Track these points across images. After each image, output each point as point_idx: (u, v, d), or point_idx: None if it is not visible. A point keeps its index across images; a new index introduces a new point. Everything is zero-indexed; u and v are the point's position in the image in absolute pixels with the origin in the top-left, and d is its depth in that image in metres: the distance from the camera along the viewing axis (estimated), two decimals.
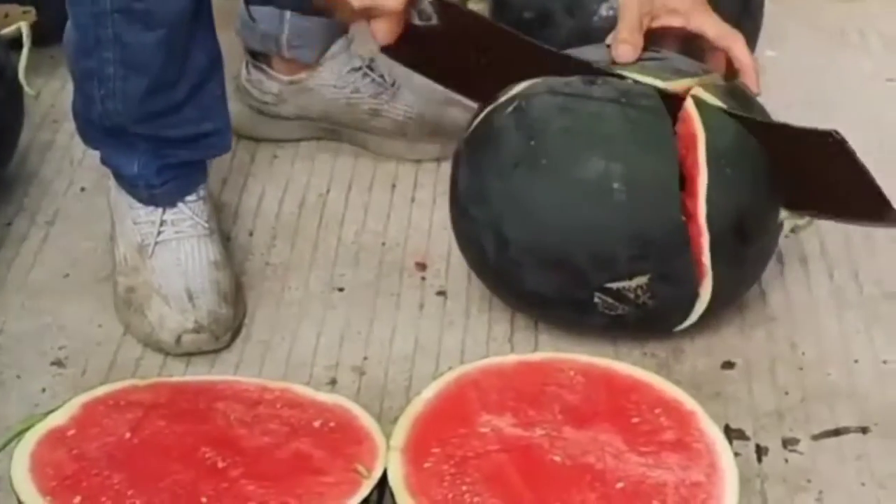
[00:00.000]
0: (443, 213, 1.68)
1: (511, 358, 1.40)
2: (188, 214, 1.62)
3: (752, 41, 1.90)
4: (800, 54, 2.11)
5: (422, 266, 1.70)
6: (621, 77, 1.52)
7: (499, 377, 1.37)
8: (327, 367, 1.56)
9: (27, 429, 1.33)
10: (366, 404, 1.42)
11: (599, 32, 1.80)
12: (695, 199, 1.46)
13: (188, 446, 1.32)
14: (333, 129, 1.90)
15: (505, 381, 1.36)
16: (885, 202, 1.47)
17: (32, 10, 1.94)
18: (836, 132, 1.49)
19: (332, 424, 1.35)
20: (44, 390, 1.52)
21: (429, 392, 1.36)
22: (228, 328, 1.57)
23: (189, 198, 1.63)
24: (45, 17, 1.98)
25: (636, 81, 1.50)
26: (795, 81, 2.05)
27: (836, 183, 1.51)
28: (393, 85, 1.87)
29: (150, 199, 1.62)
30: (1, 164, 1.78)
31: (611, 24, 1.78)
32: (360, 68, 1.86)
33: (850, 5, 2.24)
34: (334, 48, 1.86)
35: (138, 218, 1.62)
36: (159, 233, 1.61)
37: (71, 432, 1.33)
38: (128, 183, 1.63)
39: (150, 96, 1.54)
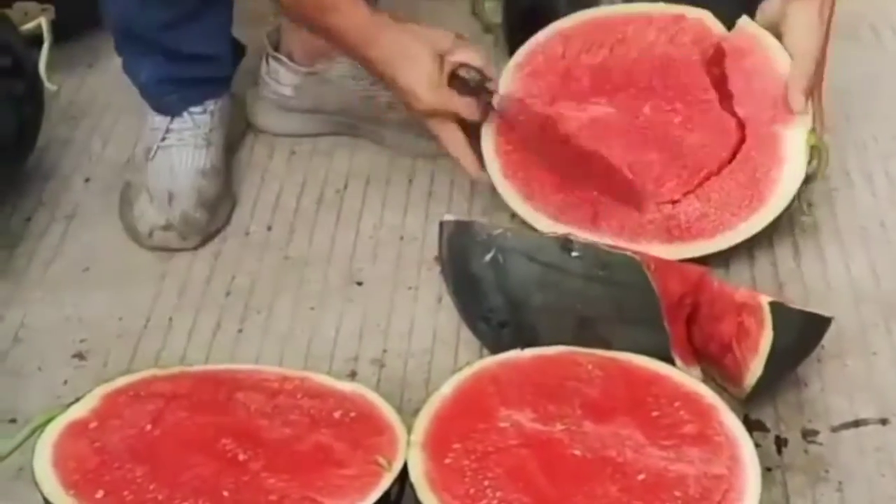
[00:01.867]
0: (460, 206, 1.68)
1: (529, 352, 1.40)
2: (191, 125, 1.76)
3: None
4: None
5: (440, 259, 1.71)
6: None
7: (517, 372, 1.37)
8: (347, 360, 1.56)
9: (49, 421, 1.34)
10: (386, 397, 1.42)
11: None
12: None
13: (209, 438, 1.32)
14: (350, 124, 1.90)
15: (524, 376, 1.36)
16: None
17: (51, 7, 1.95)
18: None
19: (352, 414, 1.36)
20: (65, 383, 1.53)
21: (448, 387, 1.36)
22: (199, 232, 1.71)
23: (195, 109, 1.77)
24: (63, 13, 1.99)
25: (616, 253, 1.42)
26: None
27: None
28: None
29: (157, 108, 1.78)
30: (21, 159, 1.79)
31: None
32: None
33: (864, 2, 2.24)
34: None
35: (153, 124, 1.78)
36: (163, 138, 1.76)
37: (92, 424, 1.34)
38: (140, 91, 1.80)
39: (148, 5, 1.69)
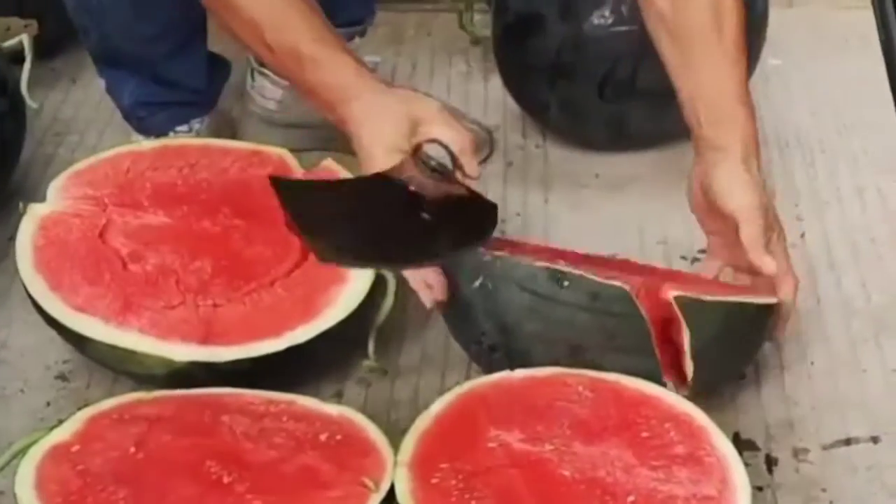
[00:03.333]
0: None
1: (519, 373, 1.39)
2: None
3: (756, 53, 1.90)
4: (803, 63, 2.10)
5: None
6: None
7: (507, 392, 1.36)
8: (333, 380, 1.54)
9: (31, 444, 1.32)
10: (373, 417, 1.41)
11: (591, 40, 1.80)
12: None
13: (193, 461, 1.31)
14: (335, 137, 1.82)
15: (513, 397, 1.35)
16: None
17: (34, 22, 1.94)
18: None
19: (338, 437, 1.34)
20: (48, 404, 1.51)
21: (436, 407, 1.35)
22: None
23: (180, 128, 1.78)
24: (46, 29, 1.98)
25: (605, 285, 1.39)
26: (799, 90, 2.05)
27: None
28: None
29: (140, 129, 1.79)
30: (4, 178, 1.77)
31: (601, 31, 1.78)
32: None
33: (853, 13, 2.23)
34: None
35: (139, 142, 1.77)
36: None
37: (75, 447, 1.32)
38: (125, 113, 1.81)
39: (128, 27, 1.72)
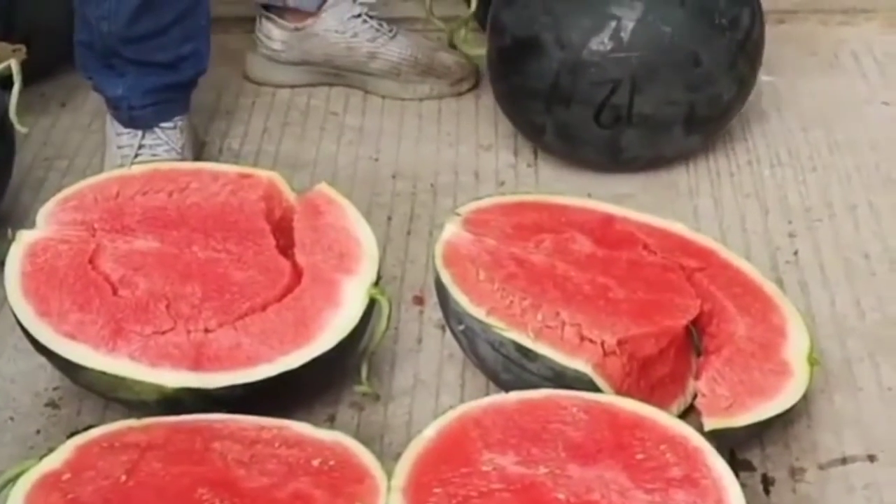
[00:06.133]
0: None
1: (513, 395, 1.38)
2: (163, 140, 1.83)
3: (753, 76, 1.90)
4: (796, 79, 2.10)
5: (420, 300, 1.68)
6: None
7: (501, 415, 1.35)
8: (326, 404, 1.53)
9: (21, 473, 1.31)
10: (366, 441, 1.40)
11: (589, 66, 1.80)
12: None
13: (185, 488, 1.29)
14: (336, 73, 2.10)
15: (507, 419, 1.34)
16: None
17: (23, 47, 1.93)
18: None
19: (331, 463, 1.33)
20: (38, 432, 1.50)
21: (430, 431, 1.34)
22: None
23: (166, 125, 1.84)
24: (35, 53, 1.97)
25: (568, 367, 1.42)
26: (792, 106, 2.05)
27: None
28: (390, 31, 2.07)
29: (130, 121, 1.83)
30: None
31: (599, 58, 1.78)
32: (359, 15, 2.07)
33: (845, 29, 2.24)
34: None
35: (121, 142, 1.84)
36: (137, 155, 1.82)
37: (66, 476, 1.31)
38: (113, 105, 1.84)
39: (140, 17, 1.77)
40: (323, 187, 1.62)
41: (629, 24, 1.78)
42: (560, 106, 1.83)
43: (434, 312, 1.65)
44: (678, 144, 1.87)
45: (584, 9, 1.81)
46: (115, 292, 1.48)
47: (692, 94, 1.81)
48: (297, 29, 2.07)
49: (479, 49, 1.97)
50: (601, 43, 1.79)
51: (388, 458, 1.42)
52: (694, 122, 1.84)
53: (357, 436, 1.42)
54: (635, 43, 1.78)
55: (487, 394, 1.53)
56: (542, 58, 1.82)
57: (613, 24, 1.78)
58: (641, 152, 1.87)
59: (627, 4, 1.79)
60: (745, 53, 1.84)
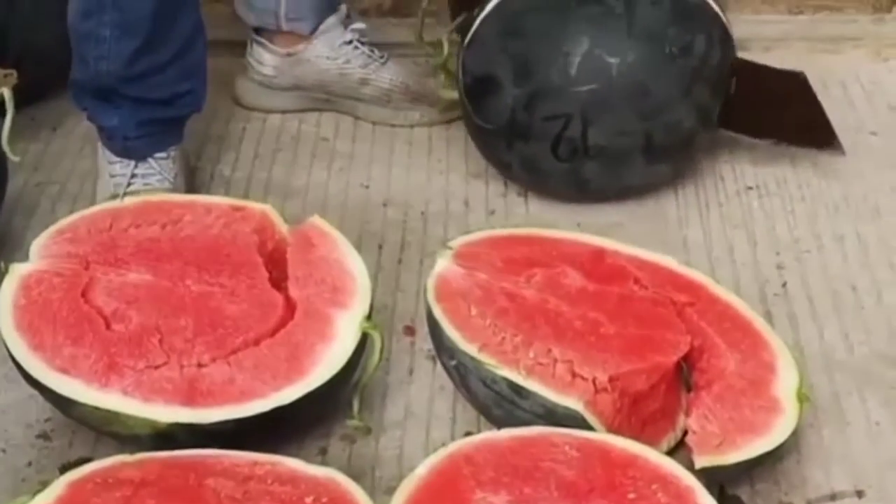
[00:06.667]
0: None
1: (505, 432, 1.38)
2: (157, 170, 1.84)
3: (716, 97, 1.90)
4: None
5: (411, 330, 1.69)
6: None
7: (493, 453, 1.35)
8: (317, 437, 1.54)
9: None
10: (357, 475, 1.41)
11: (540, 101, 1.82)
12: None
13: None
14: (326, 99, 2.11)
15: (499, 457, 1.34)
16: (832, 133, 1.90)
17: (14, 72, 1.92)
18: (802, 73, 1.88)
19: (324, 500, 1.33)
20: (30, 464, 1.50)
21: (422, 468, 1.34)
22: None
23: (159, 155, 1.85)
24: (25, 77, 1.97)
25: (559, 405, 1.43)
26: None
27: (794, 115, 1.91)
28: (381, 57, 2.09)
29: (124, 152, 1.84)
30: None
31: (549, 92, 1.80)
32: (351, 41, 2.08)
33: (832, 58, 2.25)
34: (328, 22, 2.07)
35: (114, 171, 1.84)
36: (129, 184, 1.83)
37: None
38: (107, 135, 1.85)
39: (139, 57, 1.78)
40: (315, 220, 1.63)
41: (576, 59, 1.80)
42: (520, 142, 1.86)
43: (425, 343, 1.65)
44: (642, 173, 1.88)
45: (535, 46, 1.83)
46: (108, 326, 1.48)
47: (646, 122, 1.82)
48: (288, 54, 2.08)
49: (454, 92, 1.97)
50: (550, 78, 1.81)
51: (380, 492, 1.43)
52: (654, 151, 1.85)
53: (348, 469, 1.42)
54: (582, 77, 1.80)
55: (479, 427, 1.54)
56: (499, 95, 1.85)
57: (561, 59, 1.80)
58: (606, 182, 1.88)
59: (575, 39, 1.81)
60: (702, 80, 1.84)
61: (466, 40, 1.91)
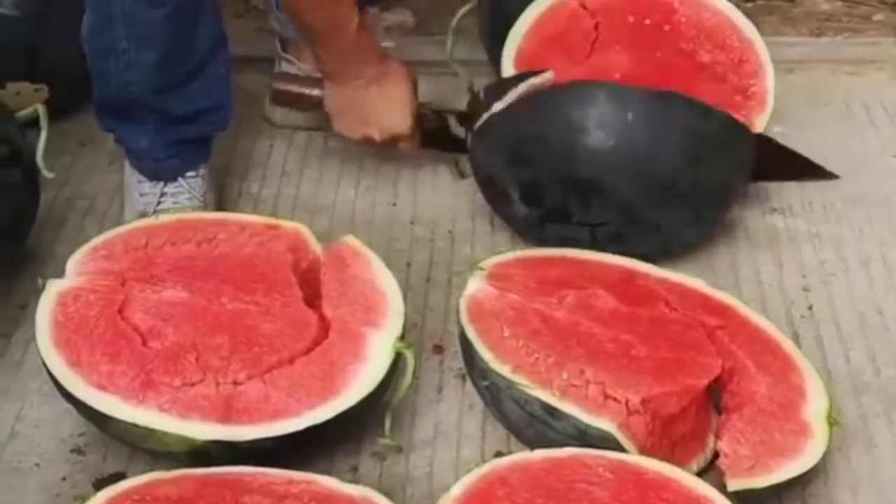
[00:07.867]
0: (459, 292, 1.68)
1: (538, 453, 1.39)
2: (186, 188, 1.85)
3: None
4: (807, 130, 2.11)
5: (439, 349, 1.70)
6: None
7: (527, 474, 1.36)
8: (348, 454, 1.55)
9: None
10: (388, 492, 1.42)
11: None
12: None
13: None
14: None
15: (533, 479, 1.35)
16: (816, 166, 2.01)
17: (45, 87, 1.94)
18: (763, 134, 1.94)
19: None
20: (64, 479, 1.51)
21: (457, 489, 1.35)
22: None
23: (189, 174, 1.86)
24: (55, 92, 1.99)
25: (592, 426, 1.44)
26: None
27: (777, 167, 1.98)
28: None
29: (154, 174, 1.85)
30: (17, 247, 1.77)
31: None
32: None
33: (855, 80, 2.26)
34: None
35: (143, 190, 1.85)
36: (159, 203, 1.84)
37: None
38: (136, 157, 1.86)
39: (161, 68, 1.77)
40: (349, 239, 1.64)
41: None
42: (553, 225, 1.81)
43: (454, 361, 1.67)
44: (685, 237, 1.84)
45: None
46: (144, 343, 1.49)
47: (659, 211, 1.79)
48: (314, 71, 2.07)
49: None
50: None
51: None
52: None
53: (380, 487, 1.43)
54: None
55: (508, 445, 1.55)
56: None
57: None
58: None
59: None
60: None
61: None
